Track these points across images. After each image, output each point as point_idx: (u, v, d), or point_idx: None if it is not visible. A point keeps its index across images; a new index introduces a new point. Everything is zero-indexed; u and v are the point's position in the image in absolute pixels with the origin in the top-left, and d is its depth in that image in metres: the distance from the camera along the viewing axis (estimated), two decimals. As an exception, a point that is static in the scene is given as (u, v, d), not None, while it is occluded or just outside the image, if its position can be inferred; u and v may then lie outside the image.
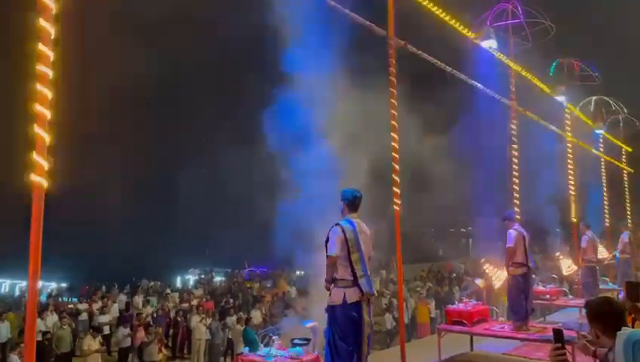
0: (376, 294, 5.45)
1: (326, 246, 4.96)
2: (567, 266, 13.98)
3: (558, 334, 3.06)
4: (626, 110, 19.18)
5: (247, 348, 6.94)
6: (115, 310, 16.01)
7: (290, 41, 8.25)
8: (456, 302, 9.07)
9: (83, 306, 16.35)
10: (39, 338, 11.10)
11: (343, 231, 4.90)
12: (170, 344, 14.74)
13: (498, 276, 8.26)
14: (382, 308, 16.25)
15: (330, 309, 4.95)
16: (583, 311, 4.23)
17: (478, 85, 9.71)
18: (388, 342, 15.20)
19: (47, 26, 3.92)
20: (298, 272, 23.76)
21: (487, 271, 8.34)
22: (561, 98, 13.59)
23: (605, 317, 2.95)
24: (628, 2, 25.53)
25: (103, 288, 21.53)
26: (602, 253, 14.76)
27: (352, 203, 5.16)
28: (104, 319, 14.81)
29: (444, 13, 8.70)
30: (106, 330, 14.39)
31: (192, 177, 29.09)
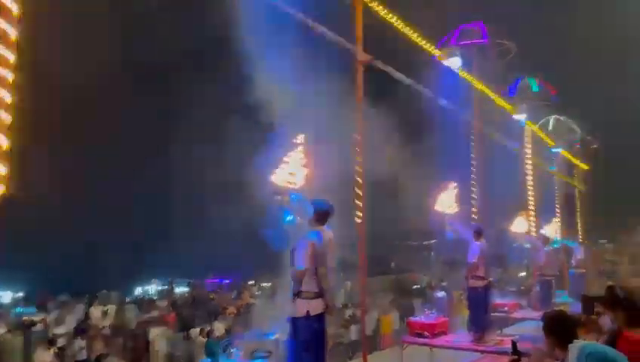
0: (340, 306, 5.46)
1: (292, 258, 4.94)
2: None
3: (514, 346, 3.16)
4: (581, 131, 19.97)
5: (208, 360, 6.84)
6: (71, 321, 15.48)
7: (251, 44, 8.21)
8: (418, 314, 9.19)
9: (38, 317, 15.74)
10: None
11: (313, 244, 4.89)
12: (128, 356, 14.33)
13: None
14: (346, 320, 16.26)
15: (293, 321, 4.93)
16: (540, 323, 4.34)
17: (444, 102, 9.96)
18: (350, 354, 15.18)
19: (8, 29, 3.83)
20: (263, 284, 23.59)
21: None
22: (520, 116, 13.98)
23: (560, 329, 3.05)
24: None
25: (60, 298, 20.79)
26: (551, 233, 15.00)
27: (322, 214, 5.12)
28: (59, 330, 14.30)
29: (411, 31, 8.91)
30: (62, 342, 13.90)
31: (150, 184, 28.38)
